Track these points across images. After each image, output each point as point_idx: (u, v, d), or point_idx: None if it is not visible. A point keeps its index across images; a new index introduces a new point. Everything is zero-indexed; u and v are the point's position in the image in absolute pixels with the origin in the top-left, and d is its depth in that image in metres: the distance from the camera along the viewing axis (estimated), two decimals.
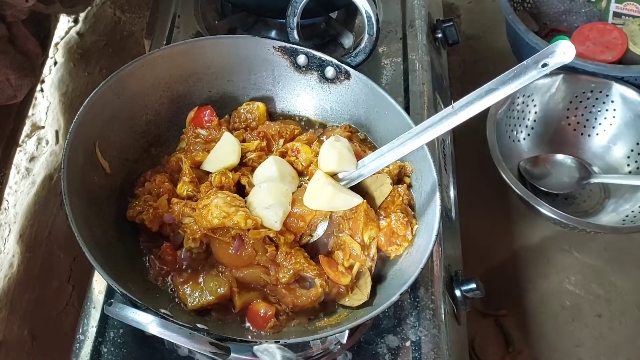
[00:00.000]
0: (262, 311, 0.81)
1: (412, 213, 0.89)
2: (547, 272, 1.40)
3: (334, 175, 0.89)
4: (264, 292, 0.84)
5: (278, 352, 0.68)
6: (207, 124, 0.96)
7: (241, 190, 0.89)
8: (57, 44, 1.42)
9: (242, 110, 0.99)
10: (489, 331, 1.32)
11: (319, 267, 0.84)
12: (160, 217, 0.86)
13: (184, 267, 0.85)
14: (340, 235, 0.88)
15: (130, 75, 0.91)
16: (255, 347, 0.69)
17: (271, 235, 0.83)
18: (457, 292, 1.00)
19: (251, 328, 0.81)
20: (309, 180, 0.90)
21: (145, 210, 0.86)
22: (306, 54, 0.99)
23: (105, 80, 0.87)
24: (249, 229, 0.81)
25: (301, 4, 0.99)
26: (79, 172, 0.80)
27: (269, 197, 0.84)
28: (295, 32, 1.00)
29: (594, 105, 1.39)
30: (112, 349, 0.87)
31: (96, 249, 0.75)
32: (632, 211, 1.29)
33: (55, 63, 1.40)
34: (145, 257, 0.86)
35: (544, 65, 0.75)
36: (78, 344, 0.88)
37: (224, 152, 0.92)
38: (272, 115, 1.03)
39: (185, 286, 0.83)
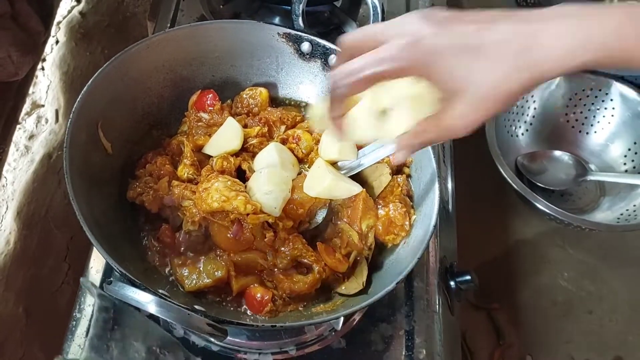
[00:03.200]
0: (258, 295, 0.81)
1: (411, 203, 0.90)
2: (540, 268, 1.40)
3: (334, 164, 0.89)
4: (261, 276, 0.85)
5: None
6: (210, 108, 0.96)
7: (241, 176, 0.90)
8: (59, 22, 1.41)
9: (244, 96, 0.99)
10: (481, 324, 1.33)
11: (316, 254, 0.85)
12: (161, 199, 0.86)
13: (182, 249, 0.85)
14: (338, 223, 0.88)
15: (134, 57, 0.91)
16: None
17: (270, 221, 0.83)
18: (452, 284, 1.01)
19: (248, 312, 0.82)
20: (309, 167, 0.91)
21: (146, 192, 0.86)
22: (310, 41, 0.99)
23: (110, 61, 0.87)
24: (248, 214, 0.82)
25: None
26: (81, 151, 0.81)
27: (269, 183, 0.84)
28: (300, 19, 1.00)
29: (593, 103, 1.39)
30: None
31: (95, 227, 0.75)
32: (627, 210, 1.30)
33: (57, 42, 1.40)
34: (144, 238, 0.86)
35: None
36: (74, 322, 0.88)
37: (226, 137, 0.92)
38: (274, 101, 1.03)
39: (183, 268, 0.83)
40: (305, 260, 0.84)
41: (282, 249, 0.83)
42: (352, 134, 0.71)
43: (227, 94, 1.01)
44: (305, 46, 0.99)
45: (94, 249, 0.94)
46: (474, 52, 0.56)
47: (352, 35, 0.64)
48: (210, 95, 0.97)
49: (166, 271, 0.84)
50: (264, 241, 0.83)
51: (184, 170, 0.88)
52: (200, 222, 0.84)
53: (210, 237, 0.85)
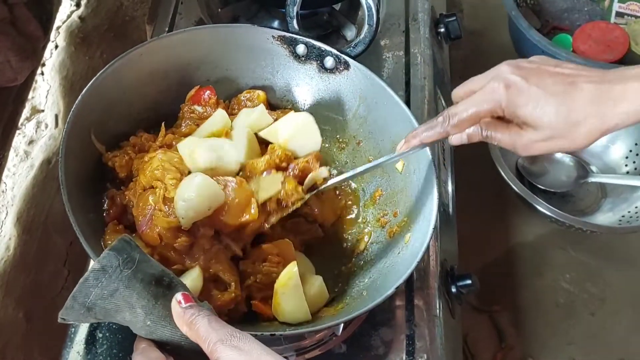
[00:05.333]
0: None
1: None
2: (542, 270, 1.40)
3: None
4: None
5: None
6: (205, 101, 0.96)
7: None
8: (58, 27, 1.41)
9: (242, 98, 0.99)
10: (483, 327, 1.33)
11: (235, 273, 0.82)
12: (131, 166, 0.86)
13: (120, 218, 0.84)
14: None
15: (129, 64, 0.91)
16: None
17: (183, 228, 0.79)
18: (453, 287, 1.01)
19: None
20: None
21: (120, 156, 0.87)
22: (305, 43, 0.99)
23: (104, 69, 0.87)
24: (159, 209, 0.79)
25: None
26: (76, 160, 0.81)
27: (194, 188, 0.78)
28: (294, 21, 1.00)
29: None
30: (107, 334, 0.88)
31: (93, 236, 0.75)
32: (629, 211, 1.30)
33: (57, 47, 1.39)
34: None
35: None
36: (73, 329, 0.88)
37: (213, 124, 0.92)
38: (271, 104, 1.03)
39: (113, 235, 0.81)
40: (224, 278, 0.82)
41: (201, 258, 0.81)
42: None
43: (223, 98, 1.01)
44: (301, 48, 0.99)
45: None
46: (559, 98, 0.69)
47: (460, 87, 0.78)
48: (208, 92, 0.96)
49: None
50: (175, 245, 0.80)
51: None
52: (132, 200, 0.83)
53: None
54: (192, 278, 0.78)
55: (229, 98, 1.01)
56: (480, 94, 0.73)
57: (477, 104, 0.73)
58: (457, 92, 0.78)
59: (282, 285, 0.80)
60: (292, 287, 0.80)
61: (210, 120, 0.93)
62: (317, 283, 0.84)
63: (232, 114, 0.97)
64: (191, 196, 0.77)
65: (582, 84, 0.69)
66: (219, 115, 0.92)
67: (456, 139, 0.78)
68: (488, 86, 0.72)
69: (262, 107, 0.95)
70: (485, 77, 0.74)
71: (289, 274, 0.80)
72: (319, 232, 0.94)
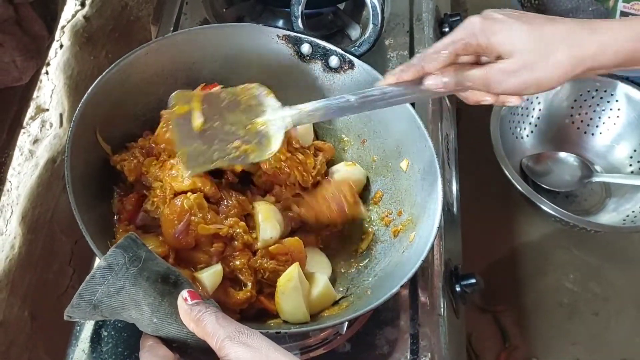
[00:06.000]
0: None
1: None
2: (545, 270, 1.40)
3: None
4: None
5: None
6: None
7: None
8: (63, 27, 1.41)
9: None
10: (486, 326, 1.33)
11: (252, 273, 0.83)
12: (140, 170, 0.86)
13: (135, 223, 0.85)
14: None
15: (134, 63, 0.91)
16: None
17: (221, 234, 0.82)
18: (457, 287, 1.00)
19: None
20: None
21: (129, 160, 0.86)
22: (310, 42, 0.99)
23: (110, 68, 0.87)
24: (199, 223, 0.80)
25: None
26: (82, 160, 0.81)
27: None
28: (299, 20, 1.01)
29: (598, 104, 1.39)
30: (112, 332, 0.88)
31: (99, 234, 0.75)
32: (633, 211, 1.30)
33: (61, 46, 1.40)
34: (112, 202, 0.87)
35: None
36: (78, 327, 0.89)
37: None
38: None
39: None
40: (241, 278, 0.83)
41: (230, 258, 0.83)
42: None
43: None
44: (305, 48, 0.99)
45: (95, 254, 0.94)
46: (535, 25, 0.69)
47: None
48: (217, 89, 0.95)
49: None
50: (210, 250, 0.82)
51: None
52: (160, 206, 0.83)
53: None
54: (214, 272, 0.80)
55: None
56: (456, 28, 0.74)
57: (451, 35, 0.73)
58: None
59: (281, 285, 0.80)
60: (291, 289, 0.80)
61: None
62: (323, 284, 0.85)
63: None
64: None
65: (561, 19, 0.69)
66: None
67: (433, 84, 0.75)
68: (465, 21, 0.73)
69: None
70: (459, 27, 0.75)
71: (289, 275, 0.81)
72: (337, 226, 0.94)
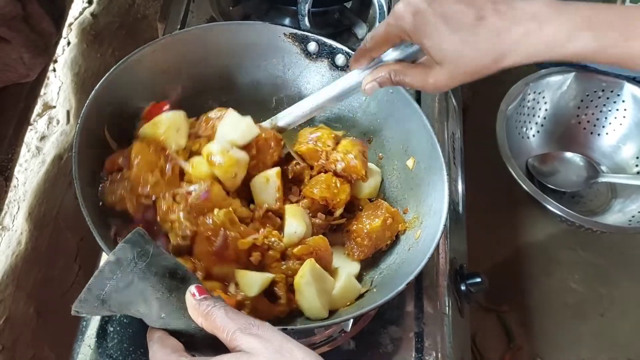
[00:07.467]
0: None
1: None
2: (551, 270, 1.40)
3: None
4: (226, 285, 0.82)
5: None
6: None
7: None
8: (70, 24, 1.42)
9: (212, 116, 0.91)
10: (491, 326, 1.33)
11: (286, 284, 0.83)
12: (146, 205, 0.81)
13: None
14: None
15: (141, 61, 0.91)
16: None
17: (257, 243, 0.82)
18: (462, 286, 1.00)
19: None
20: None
21: (127, 196, 0.80)
22: (317, 41, 0.99)
23: (117, 64, 0.88)
24: (237, 239, 0.80)
25: None
26: (89, 156, 0.81)
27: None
28: (306, 19, 1.01)
29: (604, 105, 1.38)
30: (118, 328, 0.88)
31: (105, 232, 0.76)
32: (639, 212, 1.29)
33: (69, 43, 1.40)
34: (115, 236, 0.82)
35: None
36: (85, 322, 0.89)
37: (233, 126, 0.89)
38: (280, 102, 1.03)
39: None
40: (277, 290, 0.82)
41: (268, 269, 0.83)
42: None
43: (235, 95, 1.01)
44: (312, 46, 0.99)
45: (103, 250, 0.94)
46: (463, 34, 0.68)
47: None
48: (167, 106, 0.90)
49: None
50: (250, 259, 0.82)
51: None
52: (192, 235, 0.81)
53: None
54: (266, 277, 0.81)
55: (242, 95, 1.01)
56: (389, 16, 0.73)
57: (386, 22, 0.73)
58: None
59: (296, 282, 0.81)
60: (304, 285, 0.81)
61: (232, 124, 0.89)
62: (345, 277, 0.85)
63: (196, 136, 0.89)
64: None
65: (489, 18, 0.67)
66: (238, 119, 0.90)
67: (369, 88, 0.79)
68: (395, 8, 0.71)
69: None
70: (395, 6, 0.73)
71: (302, 272, 0.81)
72: None
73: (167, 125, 0.86)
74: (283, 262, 0.84)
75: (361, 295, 0.86)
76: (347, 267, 0.88)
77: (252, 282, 0.79)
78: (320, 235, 0.87)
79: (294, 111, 0.90)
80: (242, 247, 0.80)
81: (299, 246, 0.84)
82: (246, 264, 0.82)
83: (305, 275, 0.81)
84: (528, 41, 0.66)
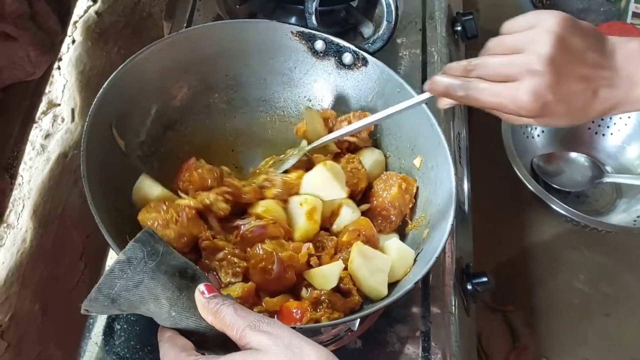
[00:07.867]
0: (294, 310, 0.79)
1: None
2: (556, 270, 1.39)
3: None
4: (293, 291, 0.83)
5: None
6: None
7: None
8: (75, 22, 1.41)
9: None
10: (496, 326, 1.33)
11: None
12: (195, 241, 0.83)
13: None
14: None
15: (148, 59, 0.91)
16: None
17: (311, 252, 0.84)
18: (468, 285, 1.00)
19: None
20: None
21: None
22: (324, 39, 0.99)
23: (125, 63, 0.88)
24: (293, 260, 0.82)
25: None
26: (97, 154, 0.81)
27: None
28: (313, 17, 1.01)
29: None
30: (125, 326, 0.88)
31: (113, 229, 0.76)
32: None
33: (74, 41, 1.40)
34: None
35: None
36: (92, 320, 0.89)
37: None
38: (287, 100, 1.04)
39: None
40: (342, 286, 0.83)
41: None
42: None
43: (242, 93, 1.02)
44: (319, 44, 0.99)
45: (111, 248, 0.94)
46: (579, 114, 0.73)
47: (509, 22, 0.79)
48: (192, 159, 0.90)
49: None
50: (310, 264, 0.84)
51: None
52: (243, 271, 0.81)
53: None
54: (338, 266, 0.83)
55: (249, 94, 1.01)
56: (504, 95, 0.71)
57: (499, 99, 0.71)
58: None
59: (349, 269, 0.83)
60: (356, 269, 0.83)
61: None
62: (396, 246, 0.87)
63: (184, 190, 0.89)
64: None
65: (600, 91, 0.70)
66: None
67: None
68: (518, 95, 0.69)
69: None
70: (528, 32, 0.73)
71: (351, 257, 0.83)
72: None
73: None
74: (338, 255, 0.85)
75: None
76: (388, 241, 0.89)
77: (327, 275, 0.82)
78: (363, 217, 0.89)
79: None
80: (302, 260, 0.82)
81: (346, 233, 0.85)
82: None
83: (355, 259, 0.82)
84: (628, 100, 0.71)
